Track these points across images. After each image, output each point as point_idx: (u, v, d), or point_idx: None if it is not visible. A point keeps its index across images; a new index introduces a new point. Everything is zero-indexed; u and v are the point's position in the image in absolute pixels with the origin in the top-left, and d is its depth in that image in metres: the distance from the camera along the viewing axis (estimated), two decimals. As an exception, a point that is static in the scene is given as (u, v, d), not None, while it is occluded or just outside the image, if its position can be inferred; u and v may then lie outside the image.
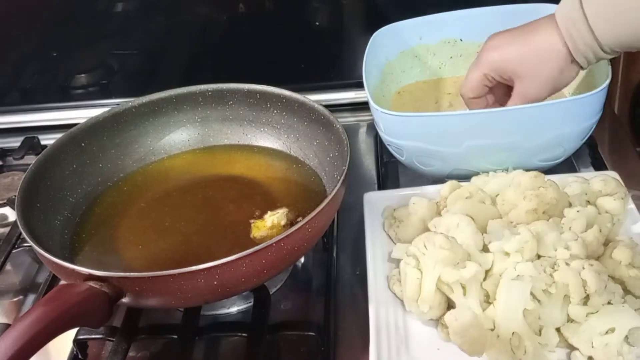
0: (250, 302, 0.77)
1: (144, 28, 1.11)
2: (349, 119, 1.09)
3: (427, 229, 0.78)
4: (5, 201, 0.96)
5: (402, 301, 0.71)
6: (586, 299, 0.65)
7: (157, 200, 0.85)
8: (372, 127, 1.05)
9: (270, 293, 0.78)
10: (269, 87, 0.90)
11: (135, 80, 1.16)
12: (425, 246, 0.68)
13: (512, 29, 0.77)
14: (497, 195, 0.78)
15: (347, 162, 0.74)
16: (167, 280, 0.63)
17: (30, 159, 0.98)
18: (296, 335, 0.74)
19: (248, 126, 0.92)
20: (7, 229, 0.91)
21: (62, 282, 0.70)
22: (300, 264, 0.84)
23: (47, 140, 1.08)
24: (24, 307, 0.85)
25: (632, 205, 0.78)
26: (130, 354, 0.73)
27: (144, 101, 0.91)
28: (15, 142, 1.10)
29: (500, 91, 0.81)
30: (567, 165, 0.89)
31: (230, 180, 0.87)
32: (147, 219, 0.82)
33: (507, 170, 0.82)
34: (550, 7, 0.95)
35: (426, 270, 0.68)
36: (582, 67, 0.73)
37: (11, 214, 0.96)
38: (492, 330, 0.65)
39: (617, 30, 0.68)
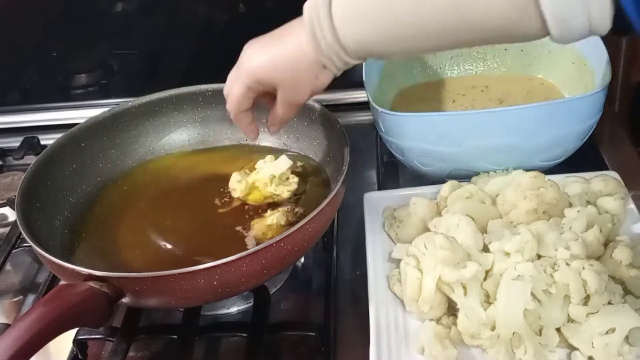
0: (250, 302, 0.77)
1: (144, 28, 1.11)
2: (349, 119, 1.09)
3: (427, 229, 0.78)
4: (5, 201, 0.96)
5: (402, 301, 0.71)
6: (586, 299, 0.65)
7: (157, 200, 0.85)
8: (372, 127, 1.04)
9: (270, 293, 0.78)
10: (269, 87, 0.90)
11: (135, 80, 1.16)
12: (425, 246, 0.68)
13: (269, 33, 0.72)
14: (497, 195, 0.78)
15: (347, 162, 0.74)
16: (167, 280, 0.63)
17: (30, 159, 0.98)
18: (296, 335, 0.74)
19: (248, 126, 0.92)
20: (7, 229, 0.91)
21: (62, 282, 0.70)
22: (300, 264, 0.84)
23: (47, 140, 1.08)
24: (24, 307, 0.85)
25: (632, 205, 0.78)
26: (130, 354, 0.73)
27: (144, 101, 0.91)
28: (15, 142, 1.10)
29: (267, 98, 0.75)
30: (567, 165, 0.89)
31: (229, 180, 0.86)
32: (147, 219, 0.82)
33: (507, 170, 0.82)
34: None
35: (426, 270, 0.68)
36: (332, 72, 0.68)
37: (11, 214, 0.96)
38: (492, 330, 0.65)
39: (360, 31, 0.62)
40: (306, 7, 0.65)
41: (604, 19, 0.52)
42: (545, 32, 0.54)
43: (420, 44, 0.61)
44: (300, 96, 0.71)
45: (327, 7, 0.62)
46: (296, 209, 0.80)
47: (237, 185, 0.83)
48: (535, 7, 0.53)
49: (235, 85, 0.72)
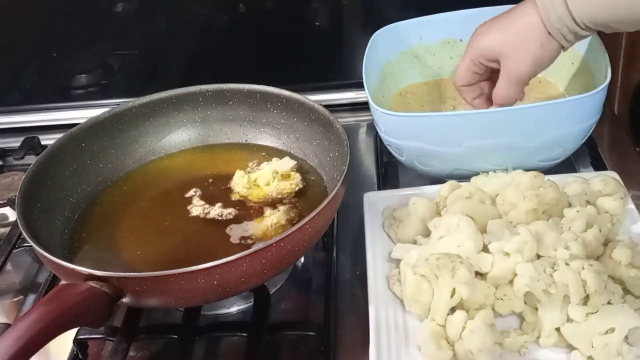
0: (250, 302, 0.77)
1: (144, 28, 1.11)
2: (349, 119, 1.09)
3: (427, 229, 0.78)
4: (5, 201, 0.96)
5: (401, 301, 0.71)
6: (586, 299, 0.66)
7: (157, 200, 0.85)
8: (372, 127, 1.05)
9: (270, 293, 0.78)
10: (269, 87, 0.90)
11: (135, 80, 1.16)
12: (438, 268, 0.67)
13: (496, 16, 0.77)
14: (497, 195, 0.78)
15: (347, 162, 0.75)
16: (167, 280, 0.63)
17: (31, 159, 0.98)
18: (296, 335, 0.74)
19: (248, 126, 0.93)
20: (7, 229, 0.91)
21: (62, 282, 0.70)
22: (300, 264, 0.84)
23: (47, 140, 1.08)
24: (24, 307, 0.85)
25: (631, 205, 0.78)
26: (130, 354, 0.73)
27: (144, 101, 0.91)
28: (15, 142, 1.10)
29: (495, 77, 0.81)
30: (567, 165, 0.89)
31: (231, 179, 0.86)
32: (147, 219, 0.82)
33: (507, 170, 0.82)
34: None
35: (439, 293, 0.67)
36: (562, 45, 0.73)
37: (11, 214, 0.96)
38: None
39: (591, 5, 0.67)
40: None
41: None
42: None
43: None
44: (523, 68, 0.74)
45: None
46: (296, 209, 0.80)
47: (240, 181, 0.83)
48: None
49: (462, 60, 0.79)
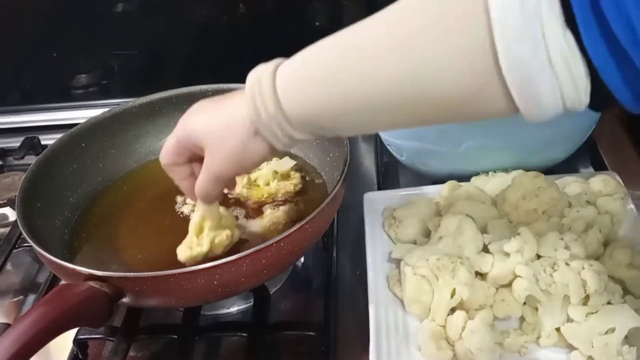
0: (250, 302, 0.77)
1: (144, 28, 1.11)
2: (349, 119, 1.09)
3: (427, 229, 0.78)
4: (5, 201, 0.96)
5: (401, 301, 0.71)
6: (586, 299, 0.66)
7: (157, 199, 0.85)
8: (372, 127, 1.05)
9: (270, 293, 0.78)
10: (269, 87, 0.90)
11: (135, 80, 1.16)
12: (438, 268, 0.68)
13: (213, 98, 0.66)
14: (497, 195, 0.78)
15: (347, 162, 0.75)
16: (167, 280, 0.63)
17: (31, 159, 0.98)
18: (296, 335, 0.74)
19: (248, 126, 0.92)
20: (7, 229, 0.91)
21: (62, 282, 0.70)
22: (300, 264, 0.84)
23: (47, 140, 1.08)
24: (24, 307, 0.85)
25: (632, 205, 0.78)
26: (130, 354, 0.73)
27: (144, 101, 0.91)
28: (15, 142, 1.10)
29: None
30: (567, 165, 0.89)
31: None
32: (147, 219, 0.82)
33: (507, 170, 0.82)
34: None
35: (439, 293, 0.67)
36: (274, 147, 0.60)
37: (11, 214, 0.96)
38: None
39: (305, 101, 0.56)
40: (249, 76, 0.59)
41: (579, 92, 0.44)
42: (514, 107, 0.46)
43: (373, 117, 0.53)
44: (223, 165, 0.62)
45: (271, 75, 0.57)
46: (296, 209, 0.80)
47: (240, 181, 0.83)
48: (497, 73, 0.45)
49: (170, 136, 0.67)
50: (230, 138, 0.61)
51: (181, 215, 0.82)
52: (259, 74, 0.58)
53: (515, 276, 0.67)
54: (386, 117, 0.54)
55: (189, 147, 0.65)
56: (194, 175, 0.67)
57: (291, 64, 0.58)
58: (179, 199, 0.84)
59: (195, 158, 0.67)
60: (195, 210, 0.71)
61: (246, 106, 0.59)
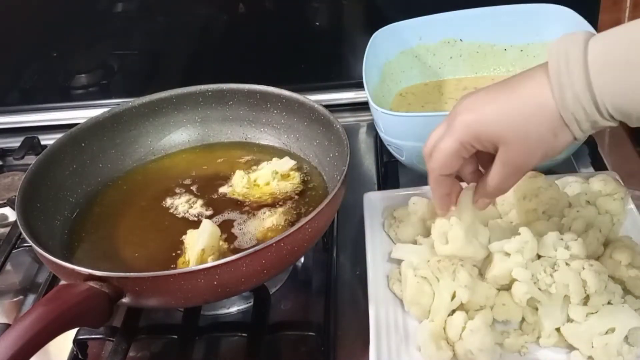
0: (250, 302, 0.77)
1: (144, 28, 1.11)
2: (349, 119, 1.09)
3: (427, 229, 0.78)
4: (5, 201, 0.96)
5: (401, 301, 0.71)
6: (586, 299, 0.65)
7: (157, 199, 0.85)
8: (372, 127, 1.05)
9: (270, 293, 0.78)
10: (269, 87, 0.90)
11: (135, 80, 1.16)
12: (439, 270, 0.67)
13: (492, 85, 0.59)
14: (497, 195, 0.78)
15: (347, 162, 0.75)
16: (167, 280, 0.63)
17: (31, 159, 0.98)
18: (296, 335, 0.74)
19: (248, 126, 0.93)
20: (7, 229, 0.91)
21: (62, 282, 0.70)
22: (300, 264, 0.84)
23: (47, 140, 1.08)
24: (24, 307, 0.85)
25: (632, 205, 0.78)
26: (130, 354, 0.73)
27: (144, 101, 0.91)
28: (15, 142, 1.11)
29: (484, 157, 0.62)
30: (567, 165, 0.89)
31: (230, 179, 0.86)
32: (147, 219, 0.82)
33: (507, 170, 0.82)
34: (549, 8, 0.95)
35: (440, 295, 0.67)
36: (574, 136, 0.55)
37: (11, 214, 0.96)
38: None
39: (622, 87, 0.50)
40: (552, 48, 0.53)
41: None
42: None
43: None
44: (530, 160, 0.57)
45: (581, 49, 0.51)
46: (296, 209, 0.80)
47: (240, 181, 0.83)
48: None
49: (445, 141, 0.59)
50: (537, 128, 0.55)
51: (180, 216, 0.82)
52: (566, 45, 0.51)
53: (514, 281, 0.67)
54: None
55: (475, 148, 0.58)
56: (455, 191, 0.63)
57: (608, 40, 0.51)
58: (169, 201, 0.84)
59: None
60: (197, 238, 0.72)
61: (550, 91, 0.53)
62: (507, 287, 0.68)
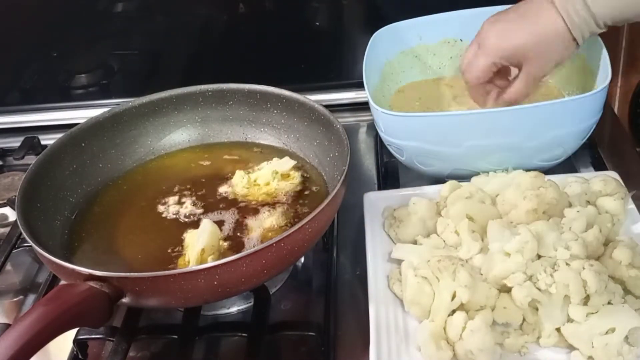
0: (250, 302, 0.77)
1: (144, 28, 1.11)
2: (349, 119, 1.09)
3: (427, 229, 0.78)
4: (5, 201, 0.96)
5: (401, 301, 0.71)
6: (586, 299, 0.65)
7: (157, 199, 0.85)
8: (372, 127, 1.05)
9: (270, 293, 0.78)
10: (269, 87, 0.90)
11: (135, 80, 1.16)
12: (439, 270, 0.68)
13: (506, 11, 0.81)
14: (497, 195, 0.78)
15: (347, 162, 0.75)
16: (167, 280, 0.63)
17: (31, 159, 0.98)
18: (296, 335, 0.74)
19: (248, 126, 0.93)
20: (7, 229, 0.91)
21: (62, 282, 0.70)
22: (300, 264, 0.84)
23: (47, 140, 1.08)
24: (24, 307, 0.85)
25: (632, 205, 0.78)
26: (130, 354, 0.73)
27: (144, 101, 0.91)
28: (15, 142, 1.10)
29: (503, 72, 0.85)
30: (567, 165, 0.89)
31: (230, 179, 0.86)
32: (147, 219, 0.82)
33: (507, 170, 0.82)
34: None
35: (440, 295, 0.67)
36: (577, 44, 0.77)
37: (11, 214, 0.96)
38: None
39: (612, 7, 0.73)
40: None
41: None
42: None
43: None
44: (546, 69, 0.79)
45: None
46: (296, 209, 0.80)
47: (240, 181, 0.83)
48: None
49: (480, 60, 0.80)
50: (556, 48, 0.77)
51: (180, 215, 0.82)
52: None
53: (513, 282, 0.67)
54: None
55: (504, 64, 0.80)
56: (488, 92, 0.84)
57: None
58: (169, 201, 0.84)
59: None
60: (197, 238, 0.72)
61: (560, 17, 0.75)
62: (507, 290, 0.68)
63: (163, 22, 1.10)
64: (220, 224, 0.79)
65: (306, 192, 0.83)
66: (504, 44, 0.79)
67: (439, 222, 0.77)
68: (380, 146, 0.99)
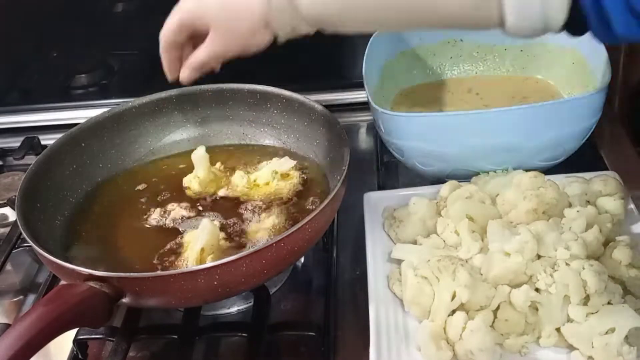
0: (250, 302, 0.77)
1: (144, 28, 1.10)
2: (349, 119, 1.09)
3: (427, 229, 0.78)
4: (5, 201, 0.96)
5: (401, 301, 0.71)
6: (586, 299, 0.65)
7: (157, 199, 0.85)
8: (372, 127, 1.05)
9: (270, 293, 0.78)
10: (269, 87, 0.90)
11: (135, 80, 1.16)
12: (439, 270, 0.68)
13: None
14: (497, 196, 0.78)
15: (347, 162, 0.75)
16: (167, 280, 0.63)
17: (31, 159, 0.98)
18: (296, 335, 0.74)
19: (248, 126, 0.93)
20: (7, 229, 0.91)
21: (62, 282, 0.70)
22: (300, 264, 0.84)
23: (47, 140, 1.08)
24: (24, 307, 0.85)
25: (632, 205, 0.78)
26: (130, 354, 0.73)
27: (144, 101, 0.91)
28: (15, 142, 1.10)
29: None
30: (567, 165, 0.89)
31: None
32: (147, 219, 0.82)
33: (507, 170, 0.82)
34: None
35: (440, 295, 0.67)
36: (279, 36, 0.68)
37: (11, 214, 0.96)
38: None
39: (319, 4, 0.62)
40: None
41: (559, 10, 0.52)
42: (501, 20, 0.54)
43: (380, 16, 0.61)
44: (229, 49, 0.69)
45: None
46: (295, 209, 0.80)
47: (239, 181, 0.83)
48: None
49: (171, 18, 0.72)
50: (241, 25, 0.66)
51: (180, 215, 0.82)
52: None
53: (515, 283, 0.68)
54: (392, 17, 0.61)
55: (192, 26, 0.70)
56: (181, 61, 0.73)
57: None
58: (161, 207, 0.83)
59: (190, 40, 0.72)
60: (197, 238, 0.72)
61: None
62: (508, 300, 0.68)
63: (163, 22, 1.10)
64: (219, 223, 0.79)
65: (306, 192, 0.83)
66: (193, 6, 0.70)
67: (439, 222, 0.77)
68: (380, 146, 0.99)
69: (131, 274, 0.64)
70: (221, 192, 0.84)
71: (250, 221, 0.79)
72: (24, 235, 0.70)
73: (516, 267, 0.67)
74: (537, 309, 0.67)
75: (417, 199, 0.80)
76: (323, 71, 1.12)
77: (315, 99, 0.86)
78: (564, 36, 0.56)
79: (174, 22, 0.72)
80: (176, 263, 0.74)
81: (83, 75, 1.15)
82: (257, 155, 0.90)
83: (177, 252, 0.76)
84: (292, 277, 0.82)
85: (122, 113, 0.90)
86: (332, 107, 0.86)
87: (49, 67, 1.14)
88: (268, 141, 0.92)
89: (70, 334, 0.72)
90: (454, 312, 0.67)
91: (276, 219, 0.78)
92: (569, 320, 0.66)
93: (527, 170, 0.79)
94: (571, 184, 0.79)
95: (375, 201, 0.84)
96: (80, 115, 1.07)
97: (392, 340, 0.68)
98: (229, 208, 0.82)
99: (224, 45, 0.69)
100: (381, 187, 0.93)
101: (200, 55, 0.71)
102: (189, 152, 0.89)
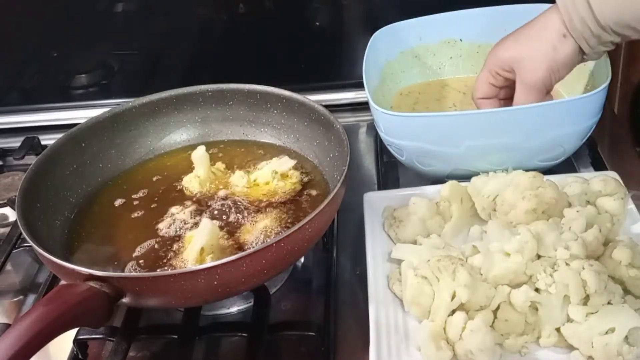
0: (250, 302, 0.77)
1: (144, 28, 1.11)
2: (349, 119, 1.09)
3: (427, 229, 0.78)
4: (5, 201, 0.96)
5: (401, 301, 0.71)
6: (586, 299, 0.65)
7: (157, 199, 0.85)
8: (372, 127, 1.05)
9: (270, 293, 0.78)
10: (269, 87, 0.90)
11: (135, 80, 1.16)
12: (439, 270, 0.68)
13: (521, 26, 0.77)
14: (497, 196, 0.78)
15: (347, 162, 0.75)
16: (167, 280, 0.63)
17: (31, 159, 0.98)
18: (296, 335, 0.74)
19: (248, 126, 0.93)
20: (7, 229, 0.91)
21: (62, 282, 0.70)
22: (300, 264, 0.84)
23: (47, 140, 1.08)
24: (24, 307, 0.85)
25: (631, 205, 0.78)
26: (130, 354, 0.73)
27: (144, 101, 0.91)
28: (15, 142, 1.10)
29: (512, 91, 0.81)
30: (567, 165, 0.89)
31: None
32: (147, 218, 0.82)
33: (507, 170, 0.82)
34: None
35: (440, 295, 0.67)
36: (582, 50, 0.71)
37: (11, 214, 0.96)
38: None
39: (615, 5, 0.65)
40: None
41: None
42: None
43: None
44: (538, 74, 0.72)
45: None
46: (295, 209, 0.80)
47: (239, 181, 0.83)
48: None
49: (480, 72, 0.78)
50: (540, 45, 0.70)
51: (179, 215, 0.82)
52: None
53: (515, 283, 0.67)
54: None
55: (500, 74, 0.75)
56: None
57: None
58: (169, 200, 0.83)
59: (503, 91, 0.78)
60: (196, 237, 0.72)
61: (559, 17, 0.68)
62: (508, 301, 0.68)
63: (163, 22, 1.10)
64: (219, 223, 0.79)
65: (306, 192, 0.83)
66: (497, 52, 0.76)
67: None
68: (380, 146, 0.99)
69: (131, 274, 0.64)
70: (221, 192, 0.84)
71: (250, 221, 0.79)
72: (24, 235, 0.70)
73: (516, 267, 0.67)
74: (537, 309, 0.67)
75: (417, 199, 0.80)
76: (323, 71, 1.12)
77: (315, 99, 0.86)
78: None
79: (482, 76, 0.78)
80: (176, 263, 0.74)
81: (83, 75, 1.15)
82: (257, 155, 0.90)
83: (177, 252, 0.76)
84: (292, 277, 0.82)
85: (122, 113, 0.90)
86: (332, 107, 0.86)
87: (49, 67, 1.14)
88: (268, 141, 0.92)
89: (70, 334, 0.72)
90: (454, 312, 0.67)
91: (276, 219, 0.78)
92: (569, 320, 0.66)
93: (527, 170, 0.79)
94: (571, 184, 0.79)
95: (375, 201, 0.84)
96: (80, 115, 1.07)
97: (392, 340, 0.68)
98: (228, 208, 0.82)
99: (532, 74, 0.73)
100: (381, 187, 0.94)
101: (519, 95, 0.76)
102: (189, 152, 0.89)
